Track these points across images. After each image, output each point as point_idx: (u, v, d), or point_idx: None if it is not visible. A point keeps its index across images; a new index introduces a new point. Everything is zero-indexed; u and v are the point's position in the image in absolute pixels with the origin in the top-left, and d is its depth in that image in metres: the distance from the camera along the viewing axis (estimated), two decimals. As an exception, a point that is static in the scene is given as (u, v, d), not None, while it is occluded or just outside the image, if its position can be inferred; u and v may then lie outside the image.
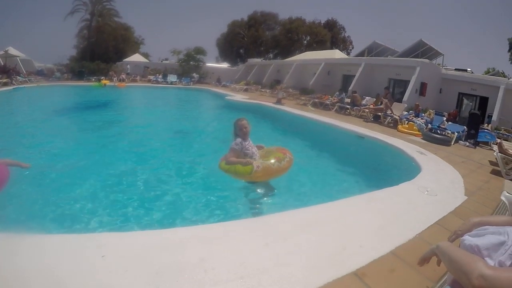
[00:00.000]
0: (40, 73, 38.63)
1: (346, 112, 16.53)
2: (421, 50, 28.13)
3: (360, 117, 15.37)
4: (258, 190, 5.42)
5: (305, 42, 61.65)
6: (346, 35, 66.92)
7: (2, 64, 32.46)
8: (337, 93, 19.38)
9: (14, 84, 28.15)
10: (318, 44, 57.15)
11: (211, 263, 2.71)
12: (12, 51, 36.69)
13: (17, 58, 36.38)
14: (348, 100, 18.07)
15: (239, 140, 5.32)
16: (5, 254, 2.83)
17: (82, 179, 6.27)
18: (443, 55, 28.66)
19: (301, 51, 49.72)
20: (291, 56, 42.32)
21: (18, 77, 31.44)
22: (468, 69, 23.87)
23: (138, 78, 37.34)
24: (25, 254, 2.81)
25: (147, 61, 48.01)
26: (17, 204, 5.15)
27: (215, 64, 50.25)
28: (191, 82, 35.38)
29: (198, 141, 10.24)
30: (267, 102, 19.19)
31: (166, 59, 51.66)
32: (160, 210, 5.08)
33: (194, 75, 37.82)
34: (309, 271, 2.77)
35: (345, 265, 2.88)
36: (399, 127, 12.40)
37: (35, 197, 5.44)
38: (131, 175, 6.66)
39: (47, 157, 8.11)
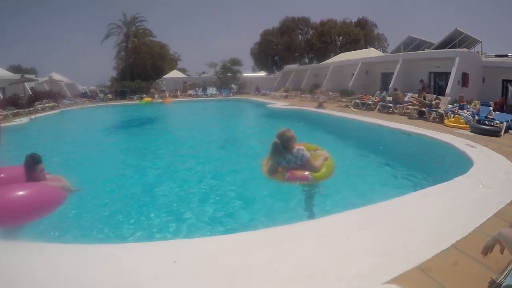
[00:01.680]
0: (84, 95, 40.54)
1: (389, 111, 16.41)
2: (458, 40, 27.12)
3: (404, 114, 15.24)
4: (313, 192, 5.50)
5: (339, 43, 61.21)
6: (380, 32, 65.88)
7: (48, 89, 34.20)
8: (378, 92, 19.37)
9: (60, 108, 29.71)
10: (351, 44, 56.66)
11: (280, 263, 2.81)
12: (56, 76, 38.65)
13: (61, 82, 38.41)
14: (390, 98, 17.84)
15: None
16: (83, 263, 3.13)
17: (149, 190, 6.87)
18: (481, 42, 27.38)
19: (336, 53, 49.39)
20: (326, 59, 42.18)
21: (64, 101, 33.18)
22: (510, 54, 23.02)
23: (178, 93, 38.36)
24: (101, 262, 3.11)
25: (185, 76, 49.13)
26: (92, 215, 5.66)
27: (252, 74, 50.76)
28: (231, 93, 35.99)
29: (249, 149, 10.45)
30: (309, 107, 19.29)
31: (204, 73, 52.69)
32: (223, 216, 5.39)
33: (233, 86, 38.39)
34: (375, 267, 2.85)
35: (408, 260, 2.93)
36: (445, 121, 12.21)
37: (110, 209, 5.93)
38: (192, 184, 7.10)
39: (117, 173, 8.67)
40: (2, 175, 5.47)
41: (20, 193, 4.63)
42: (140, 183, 7.62)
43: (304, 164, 5.31)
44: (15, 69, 49.32)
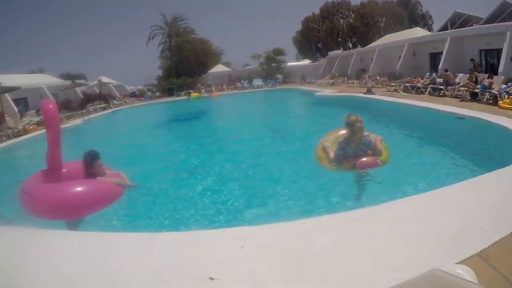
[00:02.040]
0: (133, 95, 42.47)
1: (440, 93, 15.81)
2: (507, 12, 25.87)
3: (456, 96, 14.58)
4: (368, 180, 5.58)
5: (382, 24, 59.43)
6: (424, 10, 63.21)
7: (98, 91, 36.02)
8: (428, 74, 18.85)
9: (111, 108, 31.56)
10: (395, 24, 54.62)
11: (344, 248, 2.88)
12: (105, 79, 40.36)
13: (110, 85, 40.21)
14: (440, 80, 17.10)
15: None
16: (148, 250, 3.36)
17: (210, 181, 7.35)
18: (532, 12, 26.12)
19: (380, 35, 48.20)
20: (371, 42, 41.42)
21: (114, 101, 34.99)
22: None
23: (224, 87, 39.10)
24: (170, 248, 3.34)
25: (230, 69, 49.94)
26: (157, 205, 6.17)
27: (297, 63, 50.54)
28: (277, 83, 36.29)
29: (302, 137, 10.66)
30: (357, 93, 18.99)
31: (247, 65, 53.21)
32: (285, 204, 5.60)
33: (278, 76, 38.56)
34: (435, 253, 2.85)
35: (468, 247, 2.88)
36: (500, 103, 11.36)
37: (170, 199, 6.44)
38: (252, 173, 7.50)
39: (176, 163, 9.38)
40: (65, 170, 5.90)
41: (78, 189, 4.99)
42: (199, 174, 8.03)
43: (371, 149, 5.31)
44: (65, 76, 51.88)
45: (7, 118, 20.48)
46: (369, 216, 3.64)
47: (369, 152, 5.32)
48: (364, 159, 5.19)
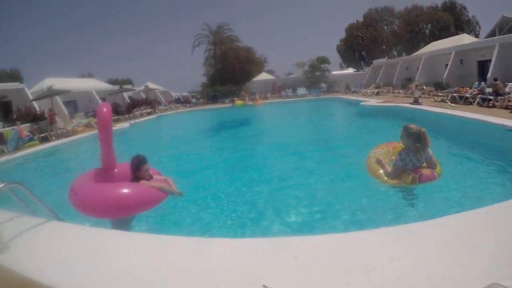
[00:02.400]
0: (177, 101, 44.04)
1: (490, 104, 15.26)
2: None
3: (506, 107, 14.11)
4: (419, 194, 5.39)
5: (427, 31, 58.44)
6: (470, 15, 61.24)
7: (144, 97, 37.61)
8: (476, 83, 18.18)
9: (157, 113, 32.98)
10: (441, 31, 53.65)
11: (397, 262, 2.81)
12: (151, 85, 42.20)
13: (156, 90, 41.94)
14: (489, 89, 16.41)
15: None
16: (200, 254, 3.36)
17: (260, 188, 7.32)
18: None
19: (426, 43, 47.51)
20: (416, 50, 40.97)
21: (160, 106, 36.47)
22: None
23: (268, 95, 39.63)
24: (220, 254, 3.31)
25: (274, 77, 50.48)
26: (208, 210, 6.24)
27: (340, 71, 50.47)
28: (321, 93, 36.36)
29: (352, 148, 10.44)
30: (404, 103, 18.57)
31: (291, 73, 53.53)
32: (334, 215, 5.47)
33: (322, 85, 38.59)
34: (491, 270, 2.74)
35: None
36: None
37: (220, 205, 6.47)
38: (301, 183, 7.41)
39: (223, 170, 9.54)
40: (117, 170, 6.15)
41: (117, 191, 5.17)
42: (245, 181, 8.12)
43: (428, 161, 5.24)
44: (113, 81, 54.37)
45: (57, 119, 21.96)
46: (422, 231, 3.50)
47: (424, 165, 5.25)
48: (424, 172, 5.09)
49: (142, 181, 5.41)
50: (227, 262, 3.13)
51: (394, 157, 5.61)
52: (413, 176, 5.03)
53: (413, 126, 5.17)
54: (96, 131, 6.21)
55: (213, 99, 43.57)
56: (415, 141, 5.06)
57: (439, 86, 22.96)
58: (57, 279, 3.17)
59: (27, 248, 4.05)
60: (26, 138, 18.80)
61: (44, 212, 5.01)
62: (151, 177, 5.66)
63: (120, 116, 28.80)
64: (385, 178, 5.28)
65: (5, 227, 4.40)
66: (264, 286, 2.62)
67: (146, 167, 5.55)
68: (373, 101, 22.42)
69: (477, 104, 16.07)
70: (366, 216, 5.28)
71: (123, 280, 3.02)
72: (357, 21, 64.14)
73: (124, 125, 24.38)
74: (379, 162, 5.52)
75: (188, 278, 2.92)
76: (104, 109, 5.74)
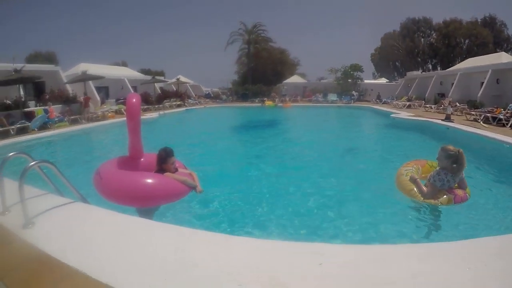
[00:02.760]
0: (207, 96, 44.87)
1: None
2: None
3: None
4: (445, 214, 5.39)
5: (465, 46, 57.10)
6: (510, 32, 59.56)
7: (175, 89, 38.58)
8: (511, 105, 17.65)
9: (186, 106, 33.79)
10: (479, 47, 52.55)
11: (422, 279, 2.81)
12: (183, 78, 43.05)
13: (187, 84, 42.71)
14: None
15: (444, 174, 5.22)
16: (225, 251, 3.39)
17: (287, 191, 7.35)
18: None
19: (462, 58, 46.75)
20: (452, 65, 40.37)
21: (189, 100, 37.26)
22: None
23: (298, 98, 39.79)
24: (247, 254, 3.35)
25: (305, 81, 50.45)
26: (233, 208, 6.29)
27: (373, 81, 50.09)
28: (351, 100, 36.15)
29: (382, 161, 10.55)
30: (435, 119, 18.33)
31: (323, 78, 53.46)
32: (359, 226, 5.46)
33: (354, 92, 38.36)
34: None
35: None
36: None
37: (240, 204, 6.53)
38: (323, 189, 7.40)
39: (248, 170, 9.49)
40: (143, 159, 6.27)
41: (140, 180, 5.21)
42: (270, 182, 8.21)
43: (460, 182, 5.30)
44: (145, 71, 55.29)
45: (89, 103, 22.76)
46: (447, 251, 3.43)
47: (456, 185, 5.29)
48: (458, 192, 5.12)
49: (167, 173, 5.49)
50: (250, 262, 3.16)
51: (425, 175, 5.74)
52: (449, 197, 5.04)
53: (451, 147, 5.21)
54: (125, 118, 6.29)
55: (243, 97, 44.05)
56: (453, 162, 5.11)
57: (472, 104, 22.48)
58: (77, 259, 3.29)
59: (51, 226, 4.20)
60: (56, 119, 19.43)
61: (70, 192, 5.20)
62: (176, 170, 5.74)
63: (150, 106, 29.62)
64: (421, 197, 5.24)
65: (32, 203, 4.54)
66: None
67: (172, 160, 5.62)
68: (404, 114, 22.12)
69: (510, 126, 15.61)
70: (390, 230, 5.27)
71: (144, 269, 3.10)
72: (394, 30, 63.61)
73: (153, 115, 25.14)
74: (414, 180, 5.46)
75: (210, 274, 2.96)
76: (134, 99, 5.89)
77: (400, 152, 11.55)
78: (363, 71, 43.09)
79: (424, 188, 5.28)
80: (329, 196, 6.95)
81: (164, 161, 5.58)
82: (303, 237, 5.10)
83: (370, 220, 5.66)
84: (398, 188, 5.78)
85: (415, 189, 5.37)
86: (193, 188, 5.54)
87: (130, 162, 6.14)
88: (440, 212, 5.43)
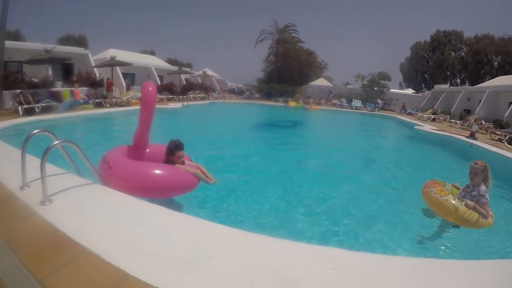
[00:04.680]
0: (232, 91, 45.47)
1: None
2: None
3: None
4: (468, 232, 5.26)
5: (496, 63, 55.94)
6: None
7: (201, 82, 39.20)
8: None
9: (210, 99, 34.56)
10: (510, 65, 51.83)
11: None
12: (209, 72, 43.69)
13: (213, 78, 43.33)
14: None
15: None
16: (241, 247, 3.40)
17: (304, 195, 7.34)
18: None
19: (492, 76, 46.05)
20: (481, 82, 39.83)
21: (214, 93, 37.93)
22: None
23: (322, 101, 39.87)
24: (257, 249, 3.39)
25: (331, 85, 50.34)
26: (247, 205, 6.30)
27: (399, 90, 49.61)
28: (376, 108, 36.01)
29: (403, 174, 10.34)
30: (459, 135, 17.94)
31: (348, 84, 53.38)
32: (378, 234, 5.44)
33: (379, 101, 38.17)
34: None
35: None
36: None
37: (265, 204, 6.49)
38: (342, 195, 7.43)
39: (268, 169, 9.54)
40: (148, 150, 6.22)
41: (154, 171, 5.15)
42: (289, 182, 8.28)
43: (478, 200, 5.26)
44: (172, 61, 55.92)
45: (114, 88, 23.63)
46: (464, 270, 3.30)
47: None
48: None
49: (177, 165, 5.50)
50: (264, 260, 3.16)
51: (464, 194, 5.53)
52: (491, 215, 5.04)
53: (482, 161, 5.34)
54: (139, 106, 6.22)
55: (267, 95, 44.33)
56: (486, 176, 5.24)
57: (498, 124, 22.13)
58: (92, 240, 3.36)
59: (68, 205, 4.26)
60: (81, 101, 20.19)
61: (90, 174, 5.28)
62: (183, 163, 5.68)
63: (174, 96, 30.34)
64: (487, 221, 5.10)
65: (51, 181, 4.56)
66: None
67: (180, 154, 5.59)
68: (428, 127, 21.91)
69: (534, 149, 15.18)
70: (410, 243, 5.20)
71: (158, 256, 3.13)
72: (424, 41, 62.87)
73: (177, 105, 25.83)
74: (473, 207, 5.12)
75: (224, 268, 2.97)
76: (150, 88, 5.77)
77: (422, 164, 11.72)
78: (391, 80, 42.83)
79: (483, 210, 5.09)
80: (351, 201, 7.01)
81: (171, 153, 5.59)
82: (318, 240, 5.11)
83: (387, 231, 5.62)
84: (444, 216, 5.34)
85: (474, 215, 5.05)
86: (203, 180, 5.59)
87: (135, 151, 6.11)
88: (456, 229, 5.36)
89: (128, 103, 23.76)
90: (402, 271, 3.08)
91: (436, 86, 41.43)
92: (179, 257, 3.11)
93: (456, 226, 5.31)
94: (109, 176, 5.16)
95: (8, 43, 18.82)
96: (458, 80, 60.10)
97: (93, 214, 4.08)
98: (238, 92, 48.35)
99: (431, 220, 5.68)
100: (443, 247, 5.11)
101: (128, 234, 3.60)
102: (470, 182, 5.45)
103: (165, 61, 46.69)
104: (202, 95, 36.27)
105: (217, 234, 3.72)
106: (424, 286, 2.85)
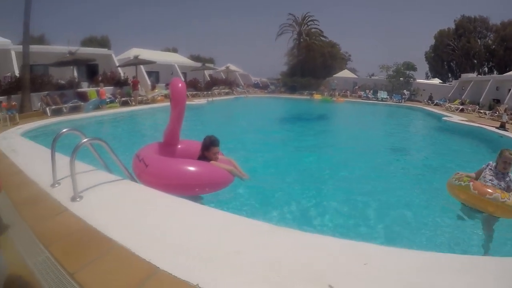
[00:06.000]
0: (256, 86, 45.79)
1: None
2: None
3: None
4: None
5: None
6: None
7: (224, 77, 39.86)
8: None
9: (234, 94, 35.28)
10: None
11: None
12: (232, 67, 44.16)
13: (236, 73, 43.94)
14: None
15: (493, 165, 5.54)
16: (268, 241, 3.37)
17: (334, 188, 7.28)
18: None
19: (522, 63, 45.08)
20: (508, 69, 38.88)
21: (238, 88, 38.46)
22: None
23: (348, 93, 39.89)
24: (290, 245, 3.33)
25: (355, 76, 50.28)
26: (285, 200, 6.28)
27: (425, 80, 48.97)
28: (402, 100, 35.74)
29: (429, 163, 10.47)
30: (489, 126, 17.57)
31: (373, 75, 53.06)
32: (408, 230, 5.35)
33: (405, 91, 37.79)
34: None
35: None
36: None
37: (294, 198, 6.48)
38: (370, 188, 7.33)
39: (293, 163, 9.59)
40: (180, 146, 6.26)
41: (190, 168, 5.12)
42: (316, 177, 8.29)
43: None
44: (195, 58, 56.69)
45: (139, 86, 24.19)
46: (486, 265, 3.15)
47: None
48: None
49: (212, 162, 5.49)
50: (293, 254, 3.11)
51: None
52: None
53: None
54: (170, 103, 6.24)
55: (291, 89, 44.54)
56: None
57: None
58: (121, 235, 3.43)
59: (98, 201, 4.37)
60: (107, 100, 20.98)
61: (119, 170, 5.35)
62: (217, 158, 5.68)
63: (199, 92, 31.14)
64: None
65: (81, 178, 4.69)
66: (330, 286, 2.61)
67: (215, 150, 5.60)
68: (456, 118, 21.53)
69: None
70: (442, 240, 5.12)
71: (186, 251, 3.15)
72: (448, 28, 61.35)
73: (201, 101, 26.63)
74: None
75: (251, 262, 2.97)
76: (180, 84, 5.78)
77: (452, 157, 11.68)
78: (416, 70, 42.26)
79: None
80: (379, 195, 6.93)
81: (206, 149, 5.60)
82: (348, 234, 5.04)
83: (419, 226, 5.55)
84: (489, 209, 5.05)
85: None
86: (237, 176, 5.61)
87: (168, 148, 6.17)
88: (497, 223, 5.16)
89: (153, 101, 24.59)
90: (437, 268, 2.95)
91: (463, 75, 40.47)
92: (207, 252, 3.14)
93: (495, 219, 5.14)
94: (145, 174, 5.23)
95: (33, 47, 19.85)
96: (486, 69, 58.20)
97: (122, 209, 4.19)
98: (262, 86, 48.70)
99: (467, 214, 5.56)
100: (478, 243, 4.99)
101: (157, 228, 3.66)
102: (501, 170, 5.47)
103: (188, 58, 47.49)
104: (226, 90, 36.87)
105: (245, 228, 3.72)
106: (457, 284, 2.75)
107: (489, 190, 4.97)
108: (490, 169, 5.62)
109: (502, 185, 5.37)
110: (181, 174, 5.10)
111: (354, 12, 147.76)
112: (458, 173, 5.84)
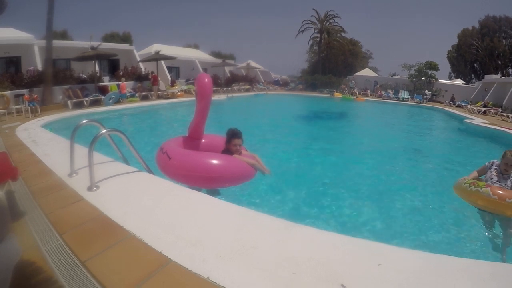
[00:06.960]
0: (276, 83, 46.01)
1: None
2: None
3: None
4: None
5: None
6: None
7: (245, 74, 40.36)
8: None
9: (254, 91, 35.70)
10: None
11: None
12: (253, 64, 44.45)
13: (257, 70, 44.05)
14: None
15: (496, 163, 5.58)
16: (284, 238, 3.39)
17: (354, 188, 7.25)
18: None
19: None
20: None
21: (258, 85, 38.65)
22: None
23: (368, 92, 39.77)
24: (300, 241, 3.35)
25: (377, 75, 49.89)
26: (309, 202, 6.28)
27: (448, 81, 48.21)
28: (424, 100, 35.46)
29: (447, 167, 10.26)
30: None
31: (395, 74, 52.48)
32: (427, 232, 5.33)
33: (427, 92, 37.40)
34: None
35: None
36: None
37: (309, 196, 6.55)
38: (392, 189, 7.39)
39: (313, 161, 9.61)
40: (204, 140, 6.35)
41: (213, 161, 5.14)
42: (334, 176, 8.28)
43: None
44: (215, 54, 56.89)
45: (159, 80, 25.06)
46: (500, 272, 3.02)
47: None
48: None
49: (235, 155, 5.53)
50: (308, 252, 3.12)
51: None
52: None
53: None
54: (193, 98, 6.24)
55: (312, 87, 44.58)
56: None
57: None
58: (136, 226, 3.51)
59: (114, 191, 4.46)
60: (128, 94, 21.63)
61: (136, 162, 5.47)
62: (240, 152, 5.73)
63: (219, 88, 31.63)
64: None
65: (99, 169, 4.79)
66: (342, 285, 2.61)
67: (236, 142, 5.63)
68: (478, 120, 21.25)
69: None
70: (461, 243, 5.12)
71: (201, 245, 3.19)
72: (472, 27, 60.01)
73: (221, 97, 27.15)
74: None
75: (267, 258, 3.00)
76: (206, 79, 5.83)
77: (473, 161, 11.05)
78: (439, 70, 41.72)
79: None
80: (396, 196, 6.94)
81: (228, 141, 5.69)
82: (363, 234, 5.06)
83: (437, 229, 5.53)
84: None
85: None
86: (259, 171, 5.66)
87: (192, 142, 6.25)
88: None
89: (173, 96, 25.28)
90: (451, 271, 2.89)
91: (487, 77, 39.52)
92: (221, 246, 3.18)
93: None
94: (169, 166, 5.28)
95: (56, 43, 20.56)
96: (510, 70, 56.60)
97: (138, 200, 4.25)
98: (283, 84, 48.83)
99: (486, 218, 5.46)
100: (494, 248, 4.94)
101: (172, 220, 3.71)
102: (502, 172, 5.49)
103: (208, 54, 47.97)
104: (247, 87, 37.20)
105: (261, 224, 3.73)
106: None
107: (509, 194, 4.88)
108: (496, 168, 5.62)
109: (509, 185, 5.38)
110: (203, 166, 5.14)
111: (376, 9, 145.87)
112: (465, 178, 5.78)
